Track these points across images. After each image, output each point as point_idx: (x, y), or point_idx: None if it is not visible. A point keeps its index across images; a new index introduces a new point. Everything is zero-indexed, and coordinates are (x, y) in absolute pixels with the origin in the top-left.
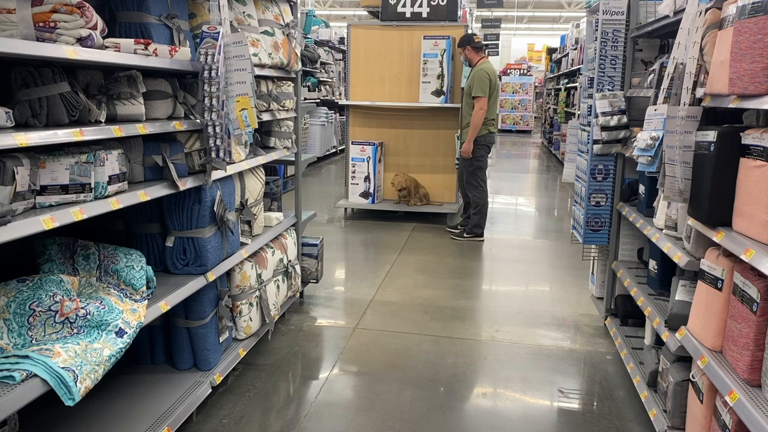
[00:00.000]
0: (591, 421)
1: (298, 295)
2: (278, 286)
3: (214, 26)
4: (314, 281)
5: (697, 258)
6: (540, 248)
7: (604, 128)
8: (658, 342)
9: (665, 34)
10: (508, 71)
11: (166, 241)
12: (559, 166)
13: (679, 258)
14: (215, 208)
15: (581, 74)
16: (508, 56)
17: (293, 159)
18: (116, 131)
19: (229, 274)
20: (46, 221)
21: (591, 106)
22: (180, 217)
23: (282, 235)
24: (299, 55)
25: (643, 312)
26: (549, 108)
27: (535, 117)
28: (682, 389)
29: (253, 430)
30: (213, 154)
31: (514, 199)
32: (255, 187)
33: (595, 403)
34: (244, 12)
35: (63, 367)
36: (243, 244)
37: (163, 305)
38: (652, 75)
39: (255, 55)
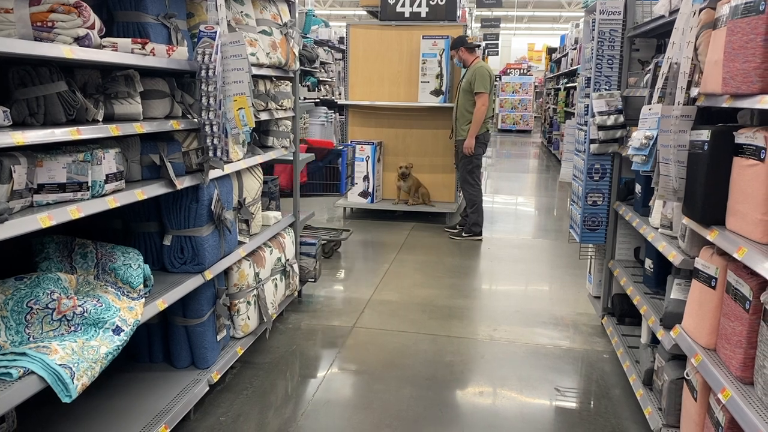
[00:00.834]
0: (587, 419)
1: (296, 294)
2: (276, 285)
3: (212, 26)
4: (312, 280)
5: (692, 257)
6: (539, 248)
7: (600, 128)
8: (654, 340)
9: (661, 34)
10: (508, 71)
11: (164, 239)
12: (559, 165)
13: (674, 257)
14: (213, 207)
15: (579, 74)
16: (508, 56)
17: (291, 158)
18: (113, 130)
19: (227, 272)
20: (43, 219)
21: (588, 105)
22: (177, 215)
23: (280, 234)
24: (297, 54)
25: (639, 311)
26: (549, 108)
27: (534, 117)
28: (677, 387)
29: (251, 428)
30: (210, 153)
31: (514, 198)
32: (253, 186)
33: (591, 402)
34: (241, 11)
35: (60, 364)
36: (241, 243)
37: (161, 303)
38: (648, 74)
39: (253, 54)
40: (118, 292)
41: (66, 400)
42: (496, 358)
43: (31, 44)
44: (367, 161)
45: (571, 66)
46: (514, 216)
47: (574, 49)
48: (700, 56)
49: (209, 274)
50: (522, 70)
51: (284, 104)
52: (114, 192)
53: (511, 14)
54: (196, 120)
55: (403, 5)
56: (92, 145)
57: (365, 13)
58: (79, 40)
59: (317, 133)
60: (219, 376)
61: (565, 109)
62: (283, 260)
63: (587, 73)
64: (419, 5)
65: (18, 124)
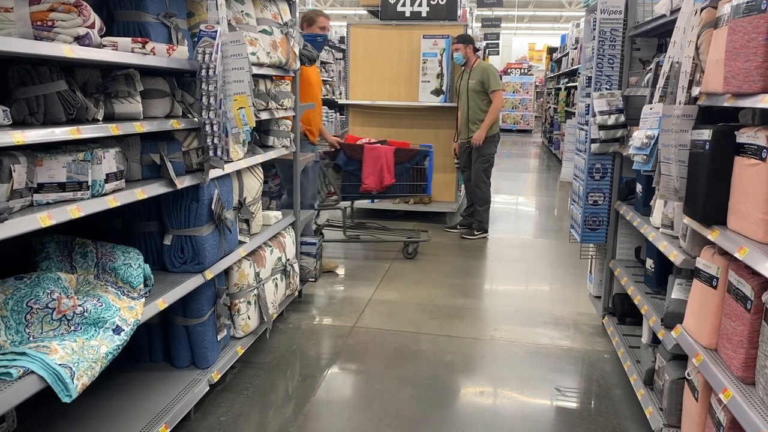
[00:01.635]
0: (588, 419)
1: (296, 293)
2: (277, 285)
3: (212, 25)
4: (313, 280)
5: (693, 256)
6: (540, 247)
7: (601, 127)
8: (655, 340)
9: (662, 33)
10: (509, 71)
11: (164, 239)
12: (560, 165)
13: (675, 256)
14: (213, 207)
15: (580, 73)
16: (508, 56)
17: (291, 158)
18: (114, 129)
19: (227, 272)
20: (43, 219)
21: (589, 105)
22: (178, 215)
23: (281, 233)
24: (298, 54)
25: (640, 310)
26: (549, 107)
27: (535, 116)
28: (678, 387)
29: (251, 427)
30: (211, 153)
31: (515, 198)
32: (253, 185)
33: (592, 402)
34: (242, 11)
35: (60, 364)
36: (241, 243)
37: (161, 303)
38: (649, 74)
39: (253, 53)
40: (119, 292)
41: (66, 399)
42: (496, 358)
43: (31, 43)
44: None
45: (572, 65)
46: (514, 216)
47: (575, 48)
48: (701, 55)
49: (209, 274)
50: (523, 70)
51: (285, 104)
52: (114, 191)
53: (511, 14)
54: (196, 119)
55: (403, 5)
56: (92, 144)
57: (366, 12)
58: (79, 39)
59: None
60: (219, 376)
61: (565, 108)
62: (283, 260)
63: (588, 72)
64: (420, 5)
65: (18, 124)
